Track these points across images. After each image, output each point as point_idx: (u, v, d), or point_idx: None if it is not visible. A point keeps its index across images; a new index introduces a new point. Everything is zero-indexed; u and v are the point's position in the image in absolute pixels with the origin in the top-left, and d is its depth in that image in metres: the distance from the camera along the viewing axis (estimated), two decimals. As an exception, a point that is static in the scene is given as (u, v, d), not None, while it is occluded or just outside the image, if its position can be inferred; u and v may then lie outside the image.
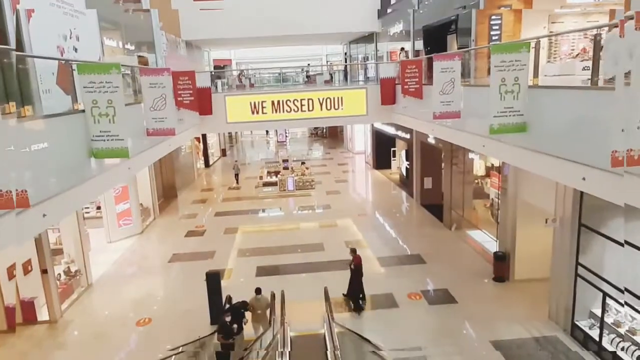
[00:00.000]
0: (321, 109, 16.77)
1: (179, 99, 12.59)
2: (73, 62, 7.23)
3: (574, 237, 8.21)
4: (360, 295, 9.97)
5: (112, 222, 14.82)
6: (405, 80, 13.02)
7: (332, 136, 38.72)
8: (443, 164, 15.99)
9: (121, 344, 9.02)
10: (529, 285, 10.23)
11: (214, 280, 9.34)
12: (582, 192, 7.91)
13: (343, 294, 10.25)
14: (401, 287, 10.72)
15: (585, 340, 8.09)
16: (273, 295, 9.46)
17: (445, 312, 9.53)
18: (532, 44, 7.25)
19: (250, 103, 16.51)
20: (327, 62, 32.77)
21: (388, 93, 15.98)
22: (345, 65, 27.78)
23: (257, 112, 16.60)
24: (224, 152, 32.06)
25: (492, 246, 12.21)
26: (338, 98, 16.79)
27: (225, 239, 14.93)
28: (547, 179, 8.74)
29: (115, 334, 9.41)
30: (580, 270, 8.18)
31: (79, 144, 6.65)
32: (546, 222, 8.64)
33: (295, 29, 21.92)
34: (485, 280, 10.92)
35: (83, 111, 6.77)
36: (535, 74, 7.65)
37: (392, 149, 23.64)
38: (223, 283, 11.15)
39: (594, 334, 7.88)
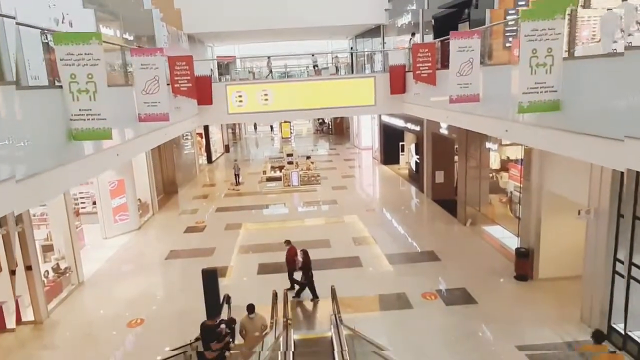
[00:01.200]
0: (327, 99, 15.97)
1: (175, 85, 11.83)
2: (48, 32, 6.47)
3: (611, 229, 7.33)
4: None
5: (107, 217, 14.11)
6: (417, 65, 12.16)
7: (337, 132, 37.89)
8: (457, 156, 15.13)
9: (108, 347, 8.27)
10: (555, 285, 9.35)
11: (210, 278, 8.54)
12: (622, 178, 7.03)
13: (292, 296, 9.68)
14: (414, 286, 9.88)
15: (624, 344, 7.22)
16: (275, 295, 8.67)
17: (464, 314, 8.68)
18: (568, 11, 6.42)
19: (254, 93, 15.76)
20: (333, 55, 31.79)
21: (398, 82, 15.12)
22: (352, 58, 27.01)
23: (261, 103, 15.84)
24: (227, 148, 31.34)
25: (512, 242, 11.33)
26: (345, 88, 15.98)
27: (226, 235, 14.16)
28: (579, 166, 7.92)
29: (103, 335, 8.66)
30: (619, 267, 7.30)
31: (56, 123, 5.90)
32: (579, 213, 7.76)
33: (300, 22, 21.07)
34: (506, 278, 10.05)
35: (61, 87, 6.04)
36: (572, 45, 6.81)
37: (401, 143, 22.78)
38: (222, 281, 10.38)
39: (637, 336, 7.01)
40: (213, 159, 27.83)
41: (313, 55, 18.70)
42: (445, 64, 12.67)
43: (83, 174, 6.89)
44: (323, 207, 16.66)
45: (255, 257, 12.10)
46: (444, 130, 14.94)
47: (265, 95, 15.77)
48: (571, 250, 8.94)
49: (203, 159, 26.89)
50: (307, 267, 9.53)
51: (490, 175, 13.45)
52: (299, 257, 9.67)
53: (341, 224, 14.62)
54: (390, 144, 23.25)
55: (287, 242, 10.19)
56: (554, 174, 9.12)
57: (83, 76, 6.08)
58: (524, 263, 9.79)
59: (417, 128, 17.66)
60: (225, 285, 10.01)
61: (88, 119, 6.20)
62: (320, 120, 42.37)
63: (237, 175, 20.89)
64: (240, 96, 15.69)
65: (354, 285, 10.10)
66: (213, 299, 8.55)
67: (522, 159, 10.40)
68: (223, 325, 7.21)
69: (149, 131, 9.94)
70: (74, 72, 6.08)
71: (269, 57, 18.58)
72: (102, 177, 13.82)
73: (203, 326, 7.22)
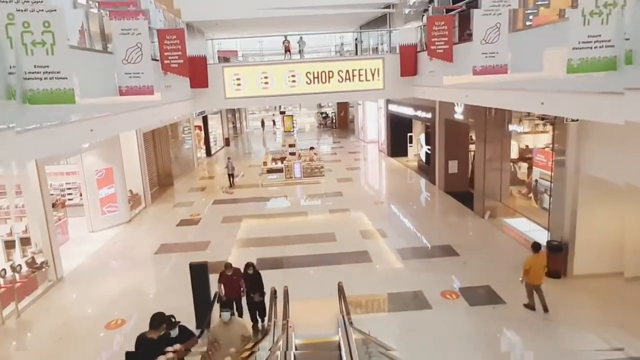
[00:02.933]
0: (333, 82, 14.83)
1: (165, 62, 10.72)
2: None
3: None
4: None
5: (94, 209, 13.02)
6: (432, 40, 10.99)
7: (341, 126, 36.75)
8: (474, 144, 13.96)
9: (79, 351, 7.17)
10: (594, 282, 8.20)
11: (200, 273, 7.45)
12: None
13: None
14: (432, 283, 8.74)
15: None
16: (274, 292, 7.54)
17: (492, 315, 7.53)
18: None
19: (253, 75, 14.64)
20: (340, 44, 30.53)
21: (408, 62, 13.96)
22: (356, 48, 25.85)
23: (260, 86, 14.73)
24: (227, 142, 30.25)
25: (539, 236, 10.18)
26: (352, 70, 14.84)
27: (223, 228, 13.07)
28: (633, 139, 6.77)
29: (76, 338, 7.57)
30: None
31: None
32: None
33: (304, 8, 19.87)
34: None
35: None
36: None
37: (409, 134, 21.61)
38: (214, 277, 9.30)
39: None
40: (212, 152, 26.77)
41: (301, 38, 17.43)
42: (462, 38, 11.55)
43: (43, 148, 5.78)
44: (327, 200, 15.52)
45: (253, 252, 10.99)
46: (459, 116, 13.77)
47: (266, 78, 14.65)
48: (614, 243, 7.80)
49: (202, 152, 25.86)
50: (258, 284, 7.60)
51: (512, 163, 12.31)
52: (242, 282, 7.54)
53: (347, 217, 13.49)
54: (398, 135, 22.07)
55: (228, 266, 7.56)
56: (594, 154, 7.94)
57: (38, 24, 4.96)
58: (558, 258, 8.62)
59: (429, 115, 16.48)
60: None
61: (45, 78, 5.09)
62: (324, 114, 41.27)
63: (231, 176, 17.93)
64: (238, 79, 14.57)
65: (363, 282, 8.98)
66: (203, 297, 7.48)
67: (552, 142, 9.22)
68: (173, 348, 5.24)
69: (134, 109, 8.85)
70: (27, 19, 4.97)
71: (285, 36, 17.36)
72: (87, 165, 12.76)
73: (141, 341, 5.28)
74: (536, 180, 10.96)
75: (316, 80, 14.63)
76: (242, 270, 7.60)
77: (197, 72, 13.54)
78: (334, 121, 38.16)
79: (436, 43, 10.96)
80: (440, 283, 8.73)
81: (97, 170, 12.96)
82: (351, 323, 6.33)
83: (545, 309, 7.53)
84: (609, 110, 5.18)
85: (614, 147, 7.40)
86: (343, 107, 36.81)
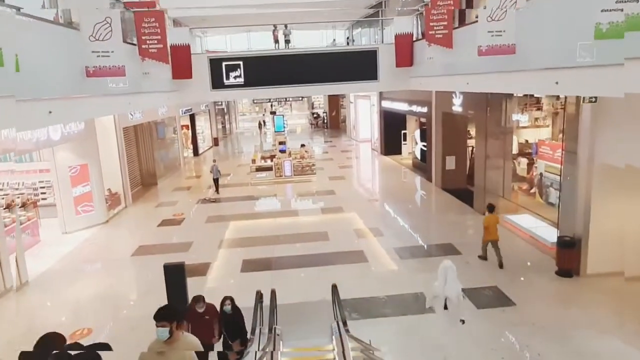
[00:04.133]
0: (325, 74, 14.09)
1: (143, 46, 9.87)
2: None
3: None
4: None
5: (68, 208, 12.07)
6: (431, 24, 10.28)
7: (333, 126, 36.02)
8: (474, 138, 13.31)
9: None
10: (611, 282, 7.51)
11: (175, 275, 6.59)
12: None
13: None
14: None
15: None
16: (260, 296, 6.72)
17: (502, 319, 6.79)
18: None
19: (241, 65, 13.84)
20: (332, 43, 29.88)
21: (404, 52, 13.26)
22: (347, 44, 25.20)
23: (250, 77, 13.94)
24: (216, 142, 29.36)
25: (546, 232, 9.52)
26: (344, 60, 14.11)
27: (207, 228, 12.21)
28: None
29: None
30: None
31: None
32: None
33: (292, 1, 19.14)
34: (545, 274, 8.19)
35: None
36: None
37: (403, 131, 20.94)
38: (197, 281, 8.48)
39: None
40: (200, 151, 25.86)
41: (286, 27, 16.56)
42: (463, 21, 10.90)
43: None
44: (319, 198, 14.72)
45: (239, 253, 10.16)
46: (457, 108, 13.10)
47: (254, 70, 13.86)
48: (629, 239, 7.12)
49: (189, 152, 24.96)
50: (238, 326, 5.83)
51: (517, 156, 11.64)
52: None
53: (340, 216, 12.71)
54: (391, 133, 21.39)
55: (199, 299, 5.63)
56: (612, 139, 7.26)
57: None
58: (570, 255, 7.92)
59: (424, 109, 15.81)
60: (200, 286, 8.11)
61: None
62: (315, 114, 40.56)
63: (216, 181, 15.99)
64: (226, 70, 13.78)
65: (359, 284, 8.20)
66: (179, 301, 6.60)
67: (562, 129, 8.55)
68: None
69: (106, 94, 8.00)
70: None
71: (275, 26, 16.46)
72: (60, 161, 11.82)
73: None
74: (541, 174, 10.30)
75: (307, 71, 13.89)
76: (218, 308, 5.72)
77: (180, 62, 12.69)
78: (325, 121, 37.43)
79: (435, 28, 10.25)
80: (443, 284, 7.98)
81: (70, 166, 12.03)
82: (347, 331, 5.53)
83: (501, 265, 8.52)
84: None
85: (635, 129, 6.72)
86: (335, 106, 36.12)
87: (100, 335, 6.94)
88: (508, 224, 10.80)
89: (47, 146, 10.86)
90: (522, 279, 8.08)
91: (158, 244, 11.02)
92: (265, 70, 13.84)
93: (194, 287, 7.98)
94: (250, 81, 13.91)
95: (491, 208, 9.15)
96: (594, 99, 6.76)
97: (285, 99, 45.87)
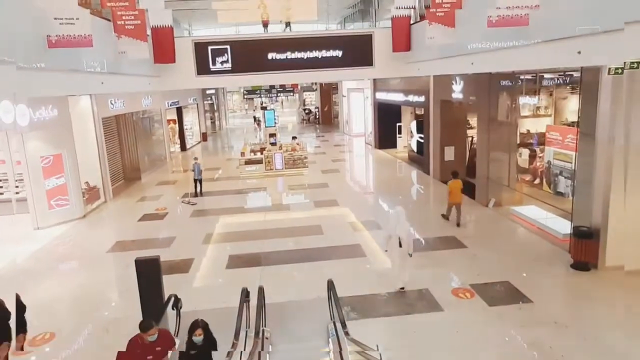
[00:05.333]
0: (317, 58, 13.31)
1: (118, 22, 9.00)
2: None
3: None
4: None
5: (40, 202, 11.13)
6: (436, 1, 9.57)
7: (325, 122, 35.23)
8: (476, 126, 12.62)
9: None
10: (633, 275, 6.84)
11: (149, 271, 5.76)
12: None
13: None
14: (440, 280, 7.27)
15: None
16: (247, 294, 5.92)
17: (519, 317, 6.06)
18: None
19: (228, 50, 13.00)
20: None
21: (401, 36, 12.55)
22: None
23: (238, 63, 13.10)
24: (204, 137, 28.41)
25: (556, 223, 8.87)
26: (338, 45, 13.34)
27: (192, 223, 11.36)
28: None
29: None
30: None
31: None
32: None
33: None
34: (559, 267, 7.51)
35: None
36: None
37: (398, 124, 20.24)
38: (177, 278, 7.68)
39: None
40: (188, 146, 24.92)
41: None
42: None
43: None
44: (312, 191, 13.92)
45: (225, 248, 9.35)
46: (457, 95, 12.39)
47: (243, 54, 13.04)
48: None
49: (177, 147, 24.02)
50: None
51: (524, 142, 10.98)
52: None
53: (334, 209, 11.93)
54: (386, 126, 20.67)
55: (148, 327, 4.33)
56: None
57: None
58: (587, 247, 7.23)
59: (421, 99, 15.11)
60: (180, 284, 7.30)
61: None
62: (307, 110, 39.75)
63: (198, 182, 13.90)
64: (212, 55, 12.95)
65: (357, 280, 7.45)
66: (153, 301, 5.79)
67: (578, 110, 7.86)
68: None
69: (74, 70, 7.15)
70: None
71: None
72: (31, 151, 10.88)
73: None
74: (549, 162, 9.63)
75: (299, 57, 13.10)
76: (177, 335, 4.73)
77: (162, 45, 11.84)
78: (317, 117, 36.61)
79: (439, 4, 9.51)
80: (449, 279, 7.27)
81: (42, 156, 11.09)
82: (347, 333, 4.76)
83: (458, 224, 9.81)
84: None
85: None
86: (327, 101, 35.34)
87: (64, 340, 6.09)
88: (514, 216, 10.13)
89: (11, 133, 9.91)
90: (535, 273, 7.37)
91: (137, 239, 10.16)
92: (254, 56, 13.04)
93: (174, 285, 7.20)
94: (238, 67, 13.10)
95: (455, 174, 10.10)
96: (620, 70, 6.07)
97: (276, 95, 45.09)
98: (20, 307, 5.69)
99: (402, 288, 6.95)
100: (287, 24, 15.55)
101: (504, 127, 10.65)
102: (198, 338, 4.46)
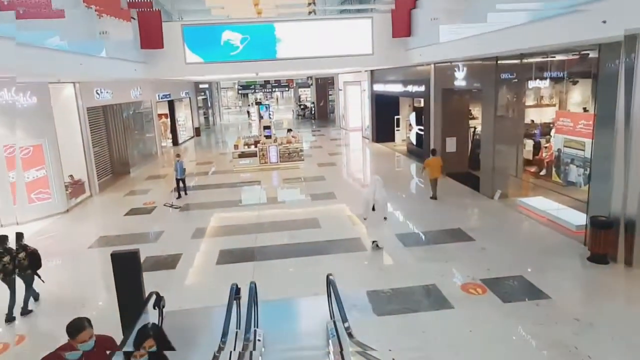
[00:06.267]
0: (313, 47, 12.74)
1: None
2: None
3: None
4: None
5: (20, 195, 10.46)
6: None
7: (321, 117, 34.64)
8: (480, 115, 12.11)
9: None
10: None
11: (127, 266, 5.16)
12: None
13: None
14: (447, 274, 6.72)
15: None
16: (237, 290, 5.32)
17: (537, 314, 5.52)
18: None
19: (219, 38, 12.40)
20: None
21: (402, 21, 12.03)
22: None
23: (228, 51, 12.52)
24: (197, 132, 27.74)
25: (569, 214, 8.37)
26: (334, 31, 12.78)
27: (181, 217, 10.76)
28: None
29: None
30: None
31: None
32: None
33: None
34: (574, 260, 6.99)
35: None
36: None
37: (396, 117, 19.69)
38: (160, 275, 7.08)
39: None
40: (180, 141, 24.25)
41: None
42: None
43: None
44: (308, 184, 13.33)
45: (216, 242, 8.75)
46: (460, 82, 11.84)
47: (234, 41, 12.47)
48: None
49: (168, 142, 23.35)
50: None
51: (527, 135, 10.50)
52: None
53: (332, 202, 11.34)
54: (383, 119, 20.10)
55: (79, 326, 3.36)
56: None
57: None
58: (606, 238, 6.70)
59: (421, 88, 14.55)
60: (166, 280, 6.72)
61: None
62: (303, 106, 39.14)
63: (181, 182, 12.21)
64: (203, 40, 12.38)
65: (358, 276, 6.89)
66: (132, 299, 5.18)
67: (593, 90, 7.33)
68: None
69: (43, 47, 6.52)
70: None
71: None
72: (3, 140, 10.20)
73: None
74: (559, 150, 9.11)
75: (294, 45, 12.51)
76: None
77: (149, 29, 11.24)
78: (313, 112, 36.00)
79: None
80: (457, 274, 6.72)
81: (22, 147, 10.42)
82: (350, 334, 4.18)
83: (434, 198, 10.76)
84: None
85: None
86: (322, 96, 34.74)
87: (35, 344, 5.48)
88: (522, 207, 9.61)
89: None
90: (550, 267, 6.84)
91: (122, 234, 9.54)
92: (248, 42, 12.45)
93: (159, 282, 6.64)
94: (231, 55, 12.52)
95: (434, 152, 11.15)
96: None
97: (271, 90, 44.40)
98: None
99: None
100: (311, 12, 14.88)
101: (511, 116, 10.12)
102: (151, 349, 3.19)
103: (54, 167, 11.07)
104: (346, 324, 4.27)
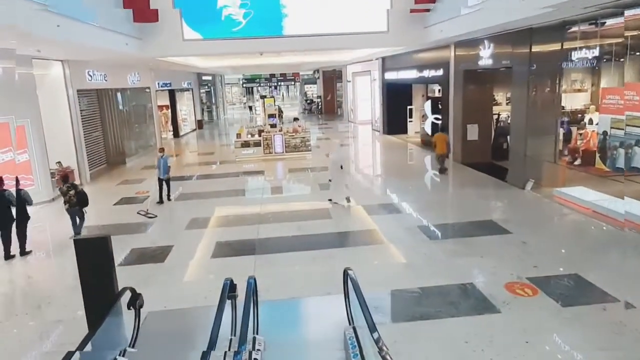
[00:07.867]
0: (321, 23, 11.66)
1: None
2: None
3: None
4: None
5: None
6: None
7: (328, 111, 33.53)
8: (509, 98, 10.98)
9: None
10: None
11: (94, 255, 4.11)
12: None
13: None
14: (486, 272, 5.63)
15: None
16: (232, 288, 4.26)
17: (606, 321, 4.41)
18: None
19: (219, 10, 11.38)
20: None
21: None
22: None
23: (229, 25, 11.49)
24: (200, 124, 26.77)
25: (618, 204, 7.21)
26: (347, 4, 11.69)
27: (175, 206, 9.76)
28: None
29: None
30: None
31: None
32: None
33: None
34: (634, 255, 5.87)
35: None
36: None
37: (409, 107, 18.57)
38: (147, 269, 6.06)
39: None
40: (181, 133, 23.30)
41: None
42: None
43: None
44: (316, 174, 12.24)
45: (212, 234, 7.71)
46: (485, 62, 10.70)
47: (236, 16, 11.44)
48: None
49: (169, 134, 22.40)
50: None
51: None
52: None
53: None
54: (395, 110, 18.96)
55: None
56: None
57: None
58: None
59: (439, 72, 13.43)
60: (152, 275, 5.69)
61: None
62: (309, 100, 38.08)
63: (164, 183, 9.93)
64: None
65: (377, 273, 5.81)
66: (100, 296, 4.13)
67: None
68: None
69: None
70: None
71: None
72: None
73: None
74: (605, 132, 7.97)
75: (298, 20, 11.45)
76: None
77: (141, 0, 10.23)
78: (319, 106, 34.90)
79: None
80: (498, 271, 5.61)
81: (-1, 126, 9.45)
82: (381, 348, 3.08)
83: (440, 172, 11.25)
84: None
85: None
86: (330, 90, 33.65)
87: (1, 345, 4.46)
88: (559, 198, 8.47)
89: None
90: (608, 264, 5.73)
91: (110, 224, 8.55)
92: (252, 17, 11.41)
93: (145, 277, 5.63)
94: (233, 31, 11.49)
95: (443, 129, 11.86)
96: None
97: (277, 84, 43.38)
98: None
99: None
100: None
101: (548, 94, 8.97)
102: None
103: (38, 152, 10.09)
104: (375, 335, 3.19)
